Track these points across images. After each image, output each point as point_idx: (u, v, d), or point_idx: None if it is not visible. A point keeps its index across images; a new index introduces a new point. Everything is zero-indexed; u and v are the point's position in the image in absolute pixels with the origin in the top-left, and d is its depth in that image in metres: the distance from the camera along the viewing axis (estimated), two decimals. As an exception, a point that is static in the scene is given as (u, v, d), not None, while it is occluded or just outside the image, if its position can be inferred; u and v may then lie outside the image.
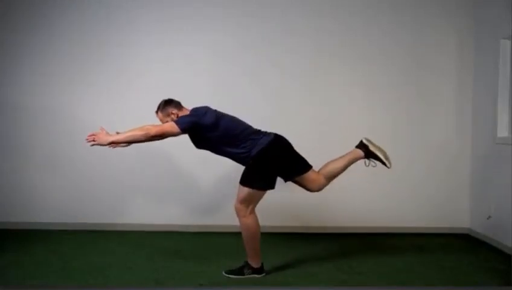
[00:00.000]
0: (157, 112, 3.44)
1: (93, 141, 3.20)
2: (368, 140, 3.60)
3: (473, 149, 4.80)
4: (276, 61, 4.79)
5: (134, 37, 4.76)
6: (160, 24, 4.76)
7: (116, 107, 4.75)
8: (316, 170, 3.59)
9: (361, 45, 4.81)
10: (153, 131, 3.15)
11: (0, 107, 4.76)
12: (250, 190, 3.27)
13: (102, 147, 4.63)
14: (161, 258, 3.81)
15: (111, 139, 3.19)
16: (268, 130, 3.47)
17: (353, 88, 4.83)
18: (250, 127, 3.42)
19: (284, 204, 4.70)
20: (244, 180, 3.30)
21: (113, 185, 4.78)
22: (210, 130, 3.26)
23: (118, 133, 3.29)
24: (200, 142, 3.37)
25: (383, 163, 3.60)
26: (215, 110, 3.38)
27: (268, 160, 3.30)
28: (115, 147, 3.40)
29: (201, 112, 3.30)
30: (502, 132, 4.34)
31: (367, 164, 3.63)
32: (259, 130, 3.42)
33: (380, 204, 4.84)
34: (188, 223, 4.76)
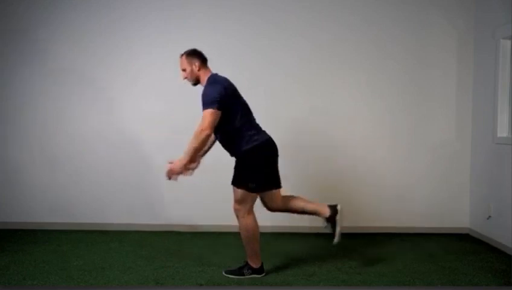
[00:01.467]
0: (182, 55, 3.39)
1: (174, 175, 3.25)
2: (341, 209, 3.55)
3: (473, 149, 4.80)
4: (276, 61, 4.79)
5: (134, 37, 4.76)
6: (160, 24, 4.76)
7: (117, 107, 4.76)
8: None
9: (361, 45, 4.81)
10: (209, 129, 3.15)
11: (0, 107, 4.76)
12: (243, 191, 3.27)
13: (101, 147, 4.65)
14: (161, 258, 3.81)
15: (183, 162, 3.22)
16: (268, 131, 3.47)
17: (353, 88, 4.83)
18: (254, 118, 3.43)
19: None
20: (235, 181, 3.30)
21: (113, 185, 4.78)
22: (231, 100, 3.26)
23: (171, 162, 3.32)
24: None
25: (333, 235, 3.52)
26: (232, 84, 3.39)
27: (257, 158, 3.28)
28: (190, 172, 3.44)
29: (220, 81, 3.30)
30: (502, 132, 4.34)
31: (324, 225, 3.56)
32: (259, 125, 3.43)
33: (380, 204, 4.84)
34: (188, 223, 4.76)
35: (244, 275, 3.39)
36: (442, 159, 4.85)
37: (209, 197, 4.79)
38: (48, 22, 4.74)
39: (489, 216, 4.41)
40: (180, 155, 4.68)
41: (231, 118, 3.27)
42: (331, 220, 3.52)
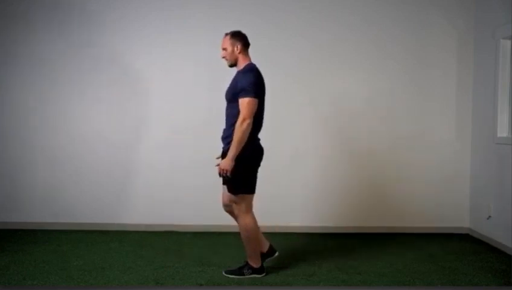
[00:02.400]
0: (227, 34, 3.39)
1: (225, 172, 3.16)
2: (276, 257, 3.52)
3: (473, 149, 4.80)
4: (276, 61, 4.78)
5: (134, 37, 4.76)
6: (160, 24, 4.76)
7: (116, 107, 4.76)
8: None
9: (361, 45, 4.81)
10: (250, 119, 3.13)
11: (0, 107, 4.76)
12: (240, 195, 3.28)
13: (101, 147, 4.65)
14: (161, 258, 3.81)
15: (232, 157, 3.13)
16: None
17: (353, 88, 4.83)
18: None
19: (283, 204, 4.70)
20: (232, 190, 3.28)
21: (113, 185, 4.78)
22: (261, 93, 3.28)
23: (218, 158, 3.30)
24: (235, 95, 3.27)
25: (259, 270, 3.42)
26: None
27: (253, 162, 3.28)
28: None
29: (256, 69, 3.31)
30: (502, 132, 4.34)
31: (265, 260, 3.47)
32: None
33: (380, 204, 4.84)
34: (188, 223, 4.76)
35: (244, 275, 3.39)
36: (442, 159, 4.85)
37: (209, 197, 4.78)
38: (48, 22, 4.73)
39: (489, 216, 4.41)
40: (178, 155, 4.73)
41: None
42: (268, 257, 3.48)
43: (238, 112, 3.19)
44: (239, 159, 3.18)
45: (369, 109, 4.83)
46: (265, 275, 3.43)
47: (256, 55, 4.78)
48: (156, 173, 4.79)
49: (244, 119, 3.13)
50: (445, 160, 4.85)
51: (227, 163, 3.15)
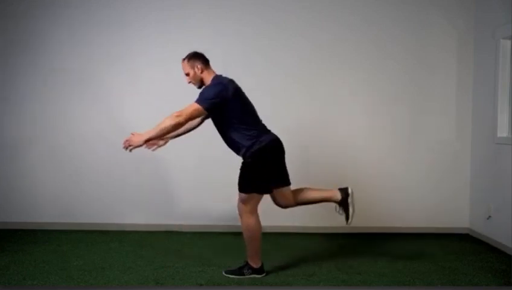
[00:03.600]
0: (184, 59, 3.40)
1: (130, 145, 3.20)
2: (352, 192, 3.55)
3: (473, 149, 4.80)
4: (276, 61, 4.79)
5: (134, 37, 4.76)
6: (160, 24, 4.76)
7: (116, 107, 4.76)
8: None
9: (361, 45, 4.81)
10: (183, 119, 3.15)
11: (0, 107, 4.77)
12: (249, 194, 3.28)
13: (101, 147, 4.64)
14: (161, 258, 3.81)
15: (145, 137, 3.19)
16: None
17: (353, 88, 4.83)
18: (259, 117, 3.43)
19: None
20: (242, 187, 3.29)
21: (113, 185, 4.78)
22: (229, 102, 3.23)
23: (133, 134, 3.30)
24: (215, 114, 3.30)
25: (347, 217, 3.55)
26: (237, 85, 3.37)
27: (266, 160, 3.28)
28: (153, 148, 3.45)
29: (223, 84, 3.27)
30: (502, 132, 4.34)
31: (337, 210, 3.59)
32: (264, 125, 3.42)
33: (380, 204, 4.84)
34: (188, 223, 4.76)
35: (244, 275, 3.39)
36: (442, 159, 4.85)
37: (209, 197, 4.79)
38: (48, 22, 4.73)
39: (489, 216, 4.41)
40: (178, 155, 4.73)
41: (233, 117, 3.26)
42: (343, 203, 3.53)
43: (222, 119, 3.27)
44: (249, 158, 3.24)
45: (369, 109, 4.83)
46: (265, 275, 3.43)
47: (256, 55, 4.83)
48: (156, 173, 4.79)
49: (176, 116, 3.15)
50: (445, 160, 4.85)
51: (137, 139, 3.19)
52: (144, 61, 4.76)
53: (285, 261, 3.77)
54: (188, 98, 4.58)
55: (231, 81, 3.34)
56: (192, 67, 3.35)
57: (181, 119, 3.15)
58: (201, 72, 3.35)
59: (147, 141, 3.24)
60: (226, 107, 3.23)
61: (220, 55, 4.77)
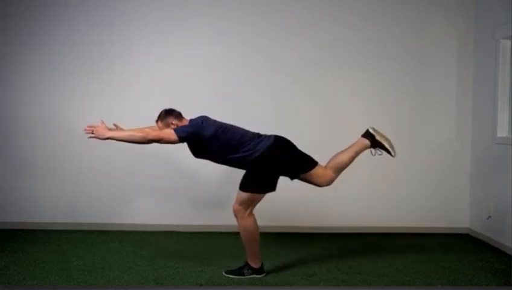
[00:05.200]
0: (157, 121, 3.45)
1: (92, 133, 3.22)
2: (374, 129, 3.60)
3: (473, 149, 4.80)
4: (276, 61, 4.79)
5: (135, 37, 4.76)
6: (160, 24, 4.76)
7: (116, 107, 4.75)
8: (323, 164, 3.57)
9: (361, 45, 4.81)
10: (151, 135, 3.19)
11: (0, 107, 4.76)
12: (250, 193, 3.28)
13: (101, 147, 4.62)
14: (161, 258, 3.81)
15: (109, 134, 3.21)
16: (269, 131, 3.47)
17: (353, 88, 4.83)
18: (247, 132, 3.41)
19: (284, 204, 4.69)
20: (245, 186, 3.30)
21: (113, 185, 4.78)
22: (210, 141, 3.27)
23: (115, 126, 3.38)
24: (199, 152, 3.38)
25: (388, 152, 3.61)
26: (214, 121, 3.38)
27: (268, 164, 3.29)
28: (91, 136, 3.35)
29: (199, 123, 3.31)
30: (502, 132, 4.34)
31: (373, 153, 3.64)
32: (258, 134, 3.41)
33: (380, 204, 4.84)
34: (188, 223, 4.76)
35: (244, 275, 3.39)
36: (442, 159, 4.85)
37: (209, 197, 4.79)
38: (48, 22, 4.73)
39: (489, 216, 4.41)
40: (178, 155, 4.71)
41: (221, 149, 3.29)
42: (376, 144, 3.58)
43: (213, 154, 3.33)
44: (251, 163, 3.27)
45: (369, 109, 4.82)
46: (265, 275, 3.43)
47: (257, 55, 4.83)
48: (155, 173, 4.79)
49: (147, 136, 3.18)
50: (445, 160, 4.85)
51: (102, 133, 3.19)
52: (144, 61, 4.76)
53: (285, 261, 3.76)
54: (188, 97, 4.61)
55: (206, 120, 3.37)
56: (167, 125, 3.38)
57: (149, 136, 3.18)
58: (177, 127, 3.35)
59: (108, 139, 3.22)
60: (210, 142, 3.26)
61: (220, 55, 4.80)
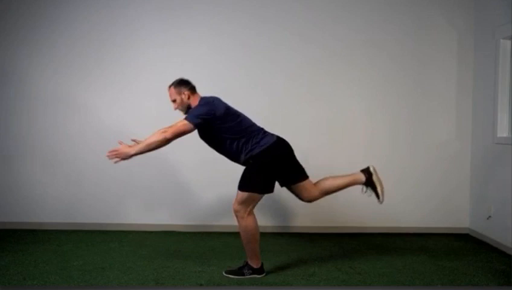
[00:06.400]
0: (170, 86, 3.43)
1: (116, 157, 3.21)
2: (374, 169, 3.58)
3: (473, 149, 4.80)
4: (276, 61, 4.79)
5: (135, 37, 4.76)
6: (160, 24, 4.76)
7: (116, 107, 4.76)
8: (316, 179, 3.56)
9: (361, 45, 4.81)
10: (169, 134, 3.18)
11: (0, 107, 4.76)
12: (250, 193, 3.28)
13: (102, 147, 4.62)
14: (161, 258, 3.81)
15: (133, 151, 3.22)
16: (269, 131, 3.47)
17: (353, 88, 4.83)
18: (254, 124, 3.42)
19: (284, 204, 4.70)
20: (243, 186, 3.29)
21: (113, 185, 4.78)
22: (219, 120, 3.26)
23: (134, 141, 3.39)
24: (205, 132, 3.35)
25: (377, 196, 3.60)
26: (224, 102, 3.38)
27: (269, 162, 3.29)
28: (116, 161, 3.37)
29: (211, 102, 3.30)
30: (502, 132, 4.34)
31: (364, 191, 3.62)
32: (263, 129, 3.42)
33: (380, 204, 4.83)
34: (188, 223, 4.76)
35: (244, 275, 3.39)
36: (442, 159, 4.85)
37: (209, 197, 4.79)
38: (47, 22, 4.73)
39: (489, 216, 4.41)
40: (178, 155, 4.73)
41: (227, 132, 3.29)
42: (369, 183, 3.56)
43: (215, 135, 3.30)
44: (250, 159, 3.27)
45: (369, 109, 4.83)
46: (265, 275, 3.43)
47: (257, 55, 4.83)
48: (156, 173, 4.79)
49: (164, 132, 3.18)
50: (445, 160, 4.85)
51: (125, 152, 3.21)
52: (143, 61, 4.76)
53: (285, 261, 3.76)
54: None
55: (218, 99, 3.36)
56: (179, 94, 3.38)
57: (167, 135, 3.18)
58: (188, 98, 3.37)
59: (133, 156, 3.24)
60: (218, 124, 3.26)
61: (220, 55, 4.80)
